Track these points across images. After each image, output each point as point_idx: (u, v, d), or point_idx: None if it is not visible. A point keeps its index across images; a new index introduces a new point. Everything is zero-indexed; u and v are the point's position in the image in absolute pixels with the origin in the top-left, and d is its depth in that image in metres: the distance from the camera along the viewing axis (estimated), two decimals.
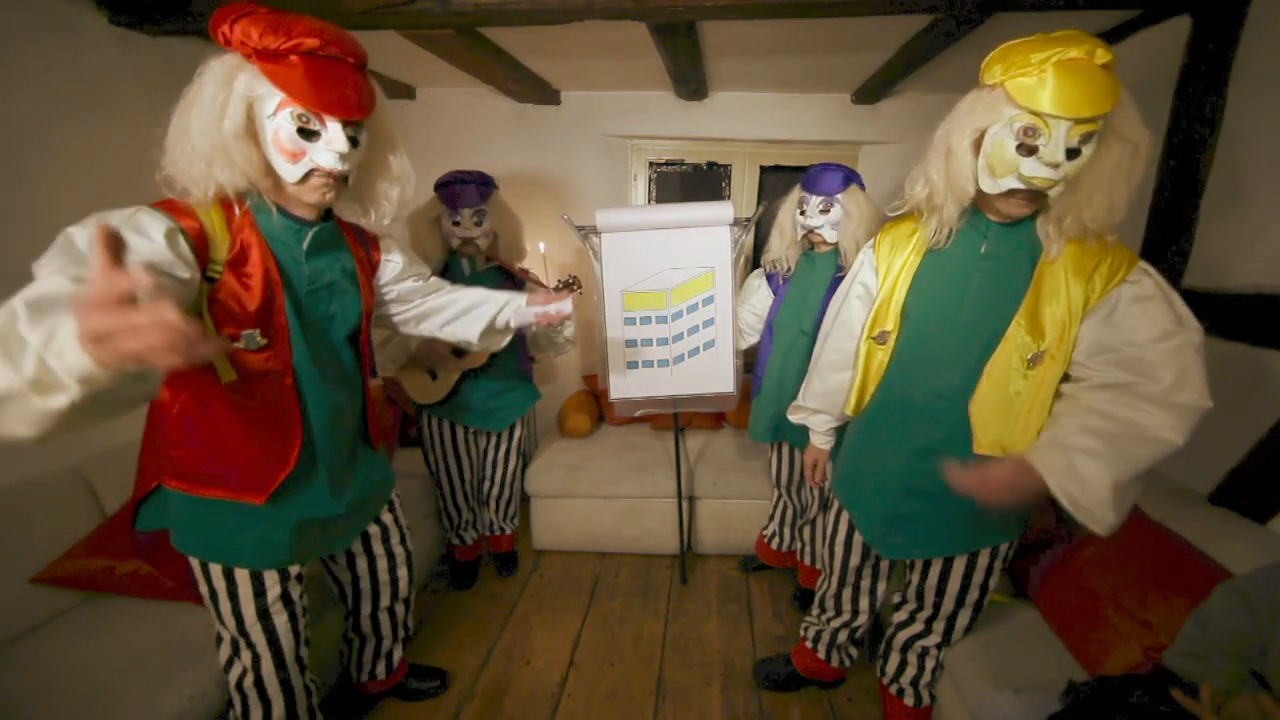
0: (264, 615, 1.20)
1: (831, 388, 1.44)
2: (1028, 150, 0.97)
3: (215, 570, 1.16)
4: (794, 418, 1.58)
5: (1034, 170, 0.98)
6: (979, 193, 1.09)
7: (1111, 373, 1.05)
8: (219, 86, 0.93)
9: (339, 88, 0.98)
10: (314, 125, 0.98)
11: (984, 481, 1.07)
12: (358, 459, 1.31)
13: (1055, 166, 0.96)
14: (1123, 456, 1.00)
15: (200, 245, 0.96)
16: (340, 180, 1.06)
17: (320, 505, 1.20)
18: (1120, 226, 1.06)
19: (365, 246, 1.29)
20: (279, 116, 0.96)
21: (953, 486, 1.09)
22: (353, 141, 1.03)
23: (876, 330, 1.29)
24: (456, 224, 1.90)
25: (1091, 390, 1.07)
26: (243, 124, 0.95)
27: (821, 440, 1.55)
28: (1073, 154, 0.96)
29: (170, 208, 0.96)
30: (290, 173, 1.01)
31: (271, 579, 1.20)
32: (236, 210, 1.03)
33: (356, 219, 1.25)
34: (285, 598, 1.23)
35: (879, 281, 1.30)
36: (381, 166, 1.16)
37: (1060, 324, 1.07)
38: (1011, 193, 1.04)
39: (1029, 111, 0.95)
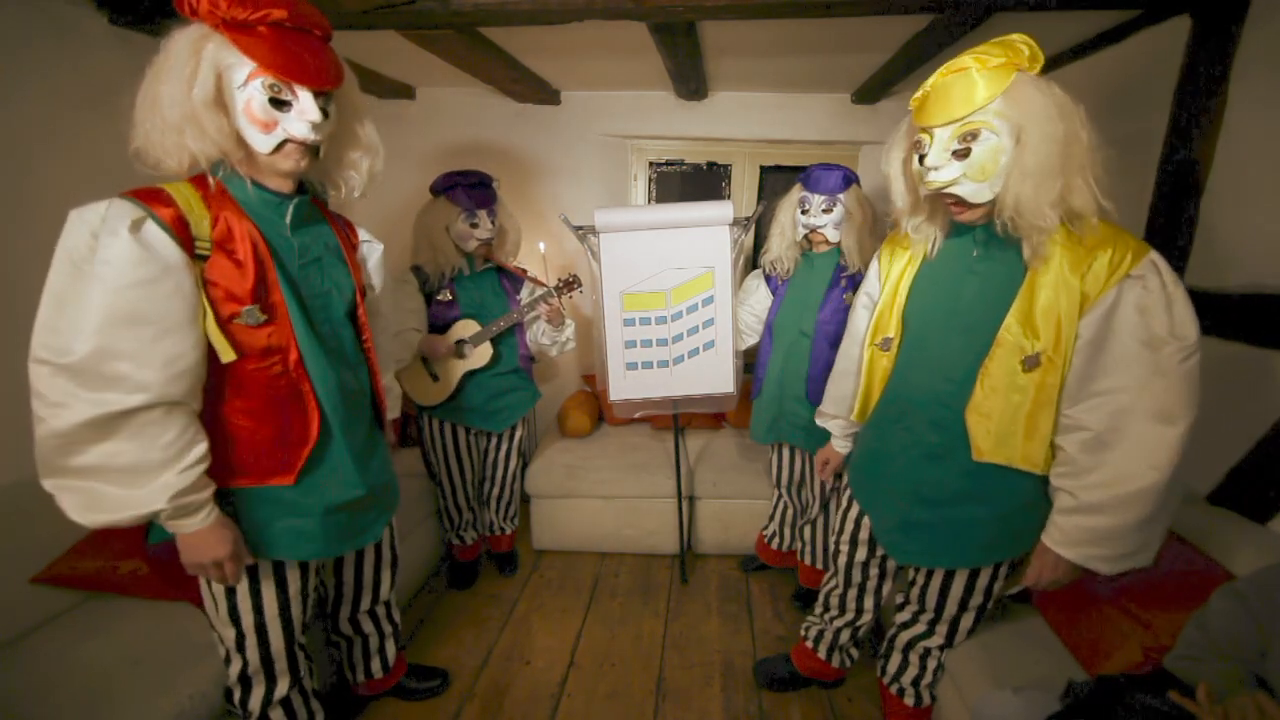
0: (284, 610, 1.21)
1: (842, 394, 1.50)
2: (921, 160, 1.08)
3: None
4: (819, 422, 1.63)
5: (926, 176, 1.07)
6: None
7: (1092, 412, 1.06)
8: (188, 55, 0.93)
9: (309, 58, 0.99)
10: (285, 95, 0.98)
11: (1035, 580, 1.16)
12: (375, 444, 1.33)
13: (939, 169, 1.04)
14: (1129, 502, 1.03)
15: (179, 229, 0.96)
16: (312, 151, 1.06)
17: (348, 484, 1.20)
18: (1111, 217, 1.07)
19: (342, 226, 1.30)
20: (250, 87, 0.96)
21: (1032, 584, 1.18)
22: (323, 113, 1.03)
23: (879, 337, 1.32)
24: (474, 225, 1.90)
25: (1071, 439, 1.09)
26: (212, 92, 0.95)
27: (840, 444, 1.59)
28: (961, 154, 1.03)
29: (145, 196, 0.96)
30: (263, 143, 1.01)
31: (294, 575, 1.21)
32: (211, 182, 1.03)
33: (324, 195, 1.25)
34: (303, 594, 1.25)
35: (880, 289, 1.34)
36: (350, 138, 1.16)
37: (1055, 323, 1.05)
38: (941, 198, 1.11)
39: (919, 128, 1.08)
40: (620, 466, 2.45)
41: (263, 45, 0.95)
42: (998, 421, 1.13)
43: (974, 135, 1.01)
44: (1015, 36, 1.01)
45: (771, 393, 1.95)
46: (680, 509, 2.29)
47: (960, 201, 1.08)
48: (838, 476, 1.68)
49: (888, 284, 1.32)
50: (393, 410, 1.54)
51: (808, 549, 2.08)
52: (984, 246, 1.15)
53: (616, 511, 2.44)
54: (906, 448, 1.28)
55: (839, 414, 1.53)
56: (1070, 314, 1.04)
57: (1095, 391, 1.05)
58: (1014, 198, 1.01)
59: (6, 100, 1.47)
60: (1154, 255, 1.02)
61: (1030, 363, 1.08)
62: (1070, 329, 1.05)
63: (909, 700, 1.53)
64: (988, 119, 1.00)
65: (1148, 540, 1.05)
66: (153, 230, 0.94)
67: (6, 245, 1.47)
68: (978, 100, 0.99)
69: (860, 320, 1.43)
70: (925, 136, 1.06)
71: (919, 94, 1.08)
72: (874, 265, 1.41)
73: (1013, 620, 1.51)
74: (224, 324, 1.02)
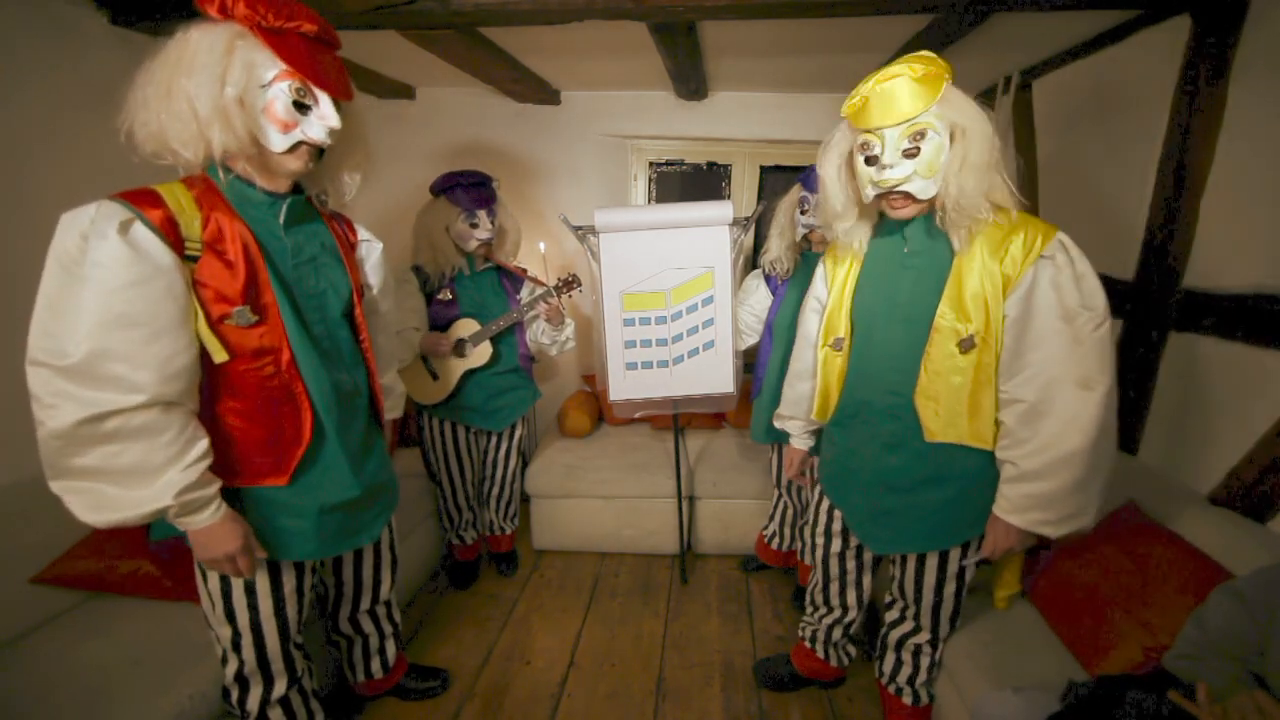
0: (279, 609, 1.21)
1: (798, 396, 1.55)
2: (872, 161, 1.13)
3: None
4: (777, 424, 1.68)
5: (881, 175, 1.12)
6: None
7: (1024, 385, 1.13)
8: (221, 52, 0.95)
9: (332, 68, 1.06)
10: (308, 100, 1.03)
11: (992, 549, 1.24)
12: (373, 444, 1.33)
13: (894, 167, 1.10)
14: (1062, 465, 1.11)
15: (168, 230, 0.97)
16: (318, 154, 1.10)
17: (343, 484, 1.21)
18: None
19: (341, 225, 1.30)
20: (275, 87, 0.99)
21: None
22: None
23: (831, 338, 1.39)
24: (474, 225, 1.91)
25: (1009, 412, 1.16)
26: (243, 90, 0.97)
27: (799, 442, 1.64)
28: (911, 153, 1.09)
29: (134, 197, 0.96)
30: (279, 142, 1.03)
31: (289, 574, 1.21)
32: (222, 177, 1.04)
33: (321, 197, 1.26)
34: (298, 592, 1.24)
35: (828, 292, 1.41)
36: (349, 146, 1.19)
37: (983, 305, 1.13)
38: (886, 198, 1.16)
39: (863, 131, 1.13)
40: (620, 466, 2.45)
41: (295, 50, 1.00)
42: (944, 403, 1.20)
43: (922, 134, 1.08)
44: (926, 54, 1.10)
45: (771, 393, 1.95)
46: (680, 509, 2.29)
47: (907, 197, 1.14)
48: (811, 470, 1.71)
49: (834, 287, 1.39)
50: (395, 410, 1.54)
51: (808, 549, 2.08)
52: (913, 242, 1.23)
53: (616, 511, 2.44)
54: (868, 440, 1.34)
55: (796, 415, 1.58)
56: (995, 296, 1.13)
57: (1024, 365, 1.14)
58: (957, 190, 1.09)
59: (6, 100, 1.47)
60: (1061, 235, 1.11)
61: (966, 345, 1.16)
62: (997, 310, 1.13)
63: (907, 699, 1.53)
64: (930, 120, 1.08)
65: (1086, 502, 1.13)
66: (141, 232, 0.94)
67: (6, 245, 1.47)
68: (923, 103, 1.07)
69: (811, 324, 1.48)
70: (874, 139, 1.12)
71: (855, 100, 1.14)
72: (820, 271, 1.47)
73: (1013, 620, 1.51)
74: (215, 325, 1.02)
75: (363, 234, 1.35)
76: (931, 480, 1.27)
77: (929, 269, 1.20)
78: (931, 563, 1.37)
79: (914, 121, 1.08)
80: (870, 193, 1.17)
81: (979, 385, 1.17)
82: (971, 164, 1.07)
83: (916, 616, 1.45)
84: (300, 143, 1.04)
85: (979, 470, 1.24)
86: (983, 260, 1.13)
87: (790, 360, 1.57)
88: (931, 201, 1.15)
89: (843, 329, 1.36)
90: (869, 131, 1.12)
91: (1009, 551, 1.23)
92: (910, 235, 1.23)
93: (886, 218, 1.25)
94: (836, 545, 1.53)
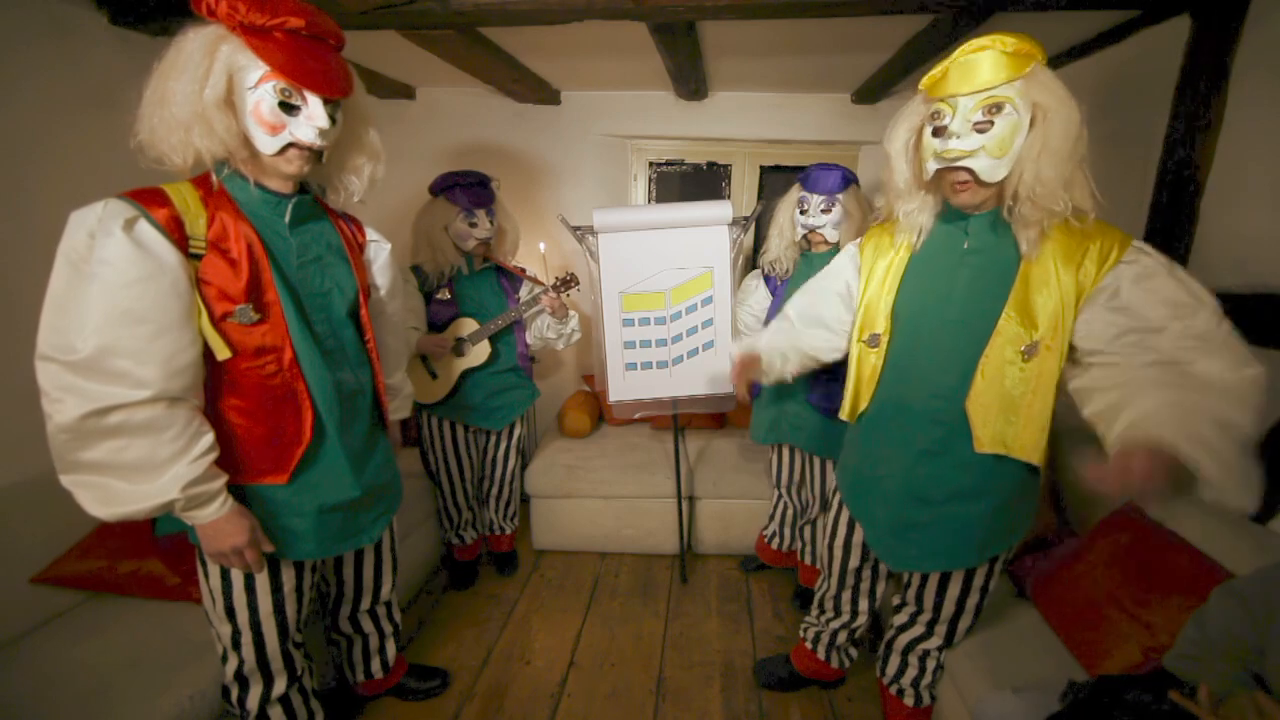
0: (279, 608, 1.21)
1: (813, 346, 1.44)
2: (938, 132, 1.06)
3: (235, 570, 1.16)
4: (740, 346, 1.58)
5: (945, 145, 1.04)
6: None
7: (1149, 354, 1.00)
8: (202, 55, 0.94)
9: (322, 65, 1.02)
10: (295, 100, 1.00)
11: (1123, 477, 0.91)
12: (375, 444, 1.33)
13: (960, 138, 1.02)
14: (1232, 419, 0.91)
15: (173, 228, 0.97)
16: (315, 155, 1.08)
17: (343, 485, 1.21)
18: (1111, 216, 1.07)
19: (349, 225, 1.30)
20: (261, 89, 0.98)
21: (1093, 488, 0.94)
22: (331, 119, 1.05)
23: (867, 334, 1.29)
24: (473, 225, 1.91)
25: (1148, 368, 1.00)
26: (224, 92, 0.96)
27: (745, 347, 1.55)
28: (982, 127, 1.01)
29: (140, 196, 0.96)
30: (268, 144, 1.02)
31: (289, 573, 1.21)
32: (215, 180, 1.04)
33: (326, 199, 1.26)
34: (298, 591, 1.25)
35: (861, 283, 1.31)
36: (354, 145, 1.17)
37: (1053, 314, 1.07)
38: (947, 176, 1.08)
39: (937, 100, 1.06)
40: (620, 466, 2.45)
41: (278, 50, 0.97)
42: (998, 411, 1.13)
43: (998, 108, 1.00)
44: (1019, 34, 1.03)
45: (772, 393, 1.95)
46: (680, 509, 2.29)
47: (972, 179, 1.06)
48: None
49: (873, 278, 1.28)
50: (402, 410, 1.55)
51: (808, 549, 2.08)
52: (975, 238, 1.14)
53: (616, 511, 2.44)
54: (902, 446, 1.26)
55: (782, 373, 1.49)
56: (1068, 303, 1.06)
57: (1135, 329, 1.01)
58: (1033, 177, 1.01)
59: (6, 100, 1.47)
60: (1136, 241, 1.06)
61: (1029, 352, 1.09)
62: (1069, 316, 1.06)
63: (909, 700, 1.53)
64: (1011, 95, 1.00)
65: (1250, 469, 0.90)
66: (146, 229, 0.95)
67: (6, 245, 1.47)
68: (1004, 75, 0.99)
69: (829, 307, 1.38)
70: (945, 107, 1.04)
71: (935, 71, 1.07)
72: (852, 251, 1.36)
73: (1013, 620, 1.51)
74: (217, 322, 1.03)
75: (371, 234, 1.35)
76: (969, 493, 1.21)
77: (989, 267, 1.13)
78: (957, 578, 1.33)
79: (991, 93, 1.00)
80: (932, 167, 1.08)
81: (1037, 394, 1.10)
82: (1052, 150, 0.99)
83: (931, 624, 1.43)
84: (290, 145, 1.03)
85: (1017, 483, 1.18)
86: (1055, 270, 1.06)
87: (801, 305, 1.45)
88: (1000, 191, 1.08)
89: (881, 325, 1.25)
90: (941, 100, 1.04)
91: (1136, 491, 0.91)
92: (974, 229, 1.14)
93: (950, 207, 1.16)
94: (855, 560, 1.50)
